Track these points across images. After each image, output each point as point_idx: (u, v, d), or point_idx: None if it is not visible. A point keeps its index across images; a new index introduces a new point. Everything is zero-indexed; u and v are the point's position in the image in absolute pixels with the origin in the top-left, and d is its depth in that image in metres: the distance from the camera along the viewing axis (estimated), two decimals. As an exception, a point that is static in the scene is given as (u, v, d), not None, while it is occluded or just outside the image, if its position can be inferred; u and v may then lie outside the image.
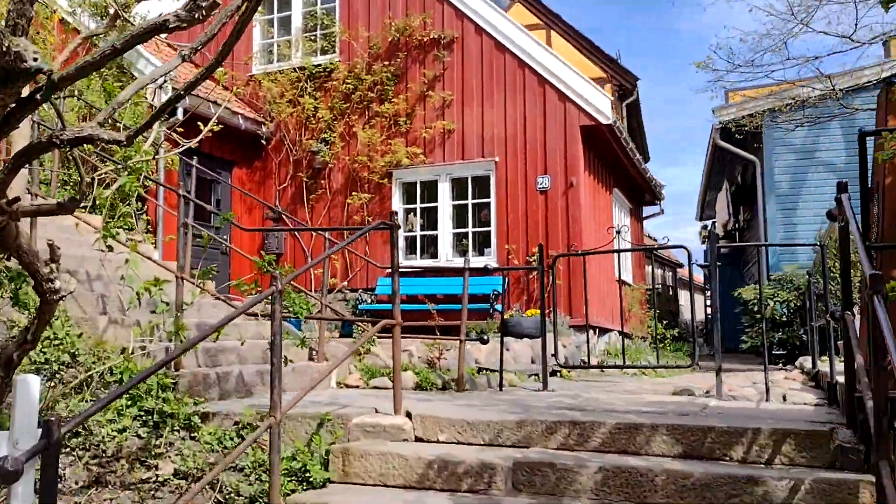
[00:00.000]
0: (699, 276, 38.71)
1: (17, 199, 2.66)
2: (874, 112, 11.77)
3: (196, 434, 4.21)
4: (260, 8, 11.84)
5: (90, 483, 3.82)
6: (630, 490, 3.11)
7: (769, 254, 12.87)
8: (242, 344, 4.97)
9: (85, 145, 6.01)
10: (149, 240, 9.21)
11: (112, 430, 4.08)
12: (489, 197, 10.36)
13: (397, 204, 10.91)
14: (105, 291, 5.71)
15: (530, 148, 10.12)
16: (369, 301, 10.59)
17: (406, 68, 10.95)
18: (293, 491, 3.67)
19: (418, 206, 10.86)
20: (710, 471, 3.06)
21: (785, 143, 12.52)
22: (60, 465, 3.88)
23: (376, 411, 4.24)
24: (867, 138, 3.12)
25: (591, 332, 10.02)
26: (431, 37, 10.72)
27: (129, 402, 4.25)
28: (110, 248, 4.12)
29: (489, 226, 10.36)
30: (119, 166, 4.07)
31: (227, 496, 3.77)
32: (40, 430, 2.31)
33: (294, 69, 11.46)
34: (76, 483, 3.77)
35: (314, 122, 11.25)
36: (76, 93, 8.55)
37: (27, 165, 6.28)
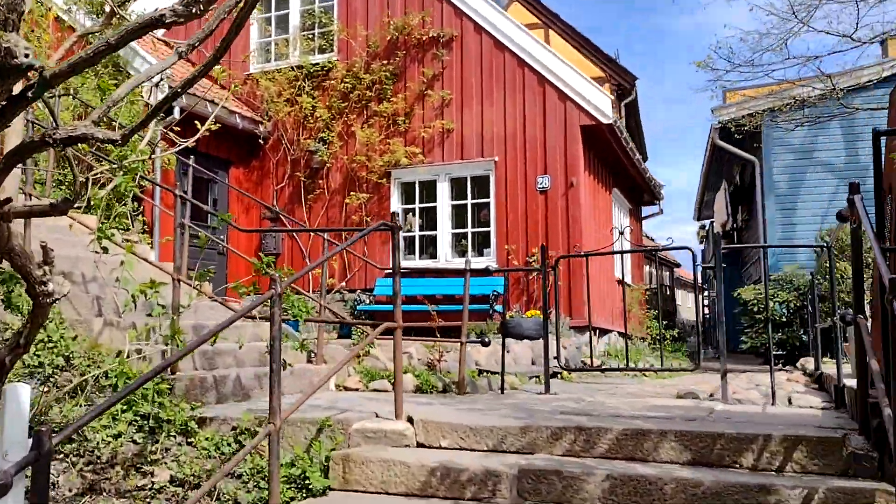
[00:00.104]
0: (691, 274, 38.75)
1: (8, 200, 2.57)
2: (874, 112, 11.78)
3: (193, 439, 4.12)
4: (257, 6, 11.75)
5: (84, 490, 3.73)
6: (639, 499, 3.03)
7: (768, 254, 12.82)
8: (241, 347, 4.88)
9: (80, 145, 5.90)
10: (145, 240, 9.11)
11: (107, 436, 4.00)
12: (488, 197, 10.29)
13: (396, 204, 10.83)
14: (100, 293, 5.62)
15: (530, 147, 10.05)
16: (368, 302, 10.51)
17: (405, 67, 10.87)
18: (292, 499, 3.59)
19: (417, 206, 10.78)
20: (720, 479, 2.99)
21: (784, 142, 12.47)
22: (54, 472, 3.79)
23: (377, 416, 4.16)
24: (880, 137, 3.04)
25: (592, 332, 9.94)
26: (430, 35, 10.64)
27: (125, 407, 4.16)
28: (105, 250, 4.03)
29: (489, 226, 10.29)
30: (114, 166, 3.98)
31: (224, 504, 3.69)
32: (31, 440, 2.22)
33: (292, 68, 11.37)
34: (70, 491, 3.68)
35: (312, 121, 11.16)
36: (71, 91, 8.45)
37: (21, 165, 6.18)
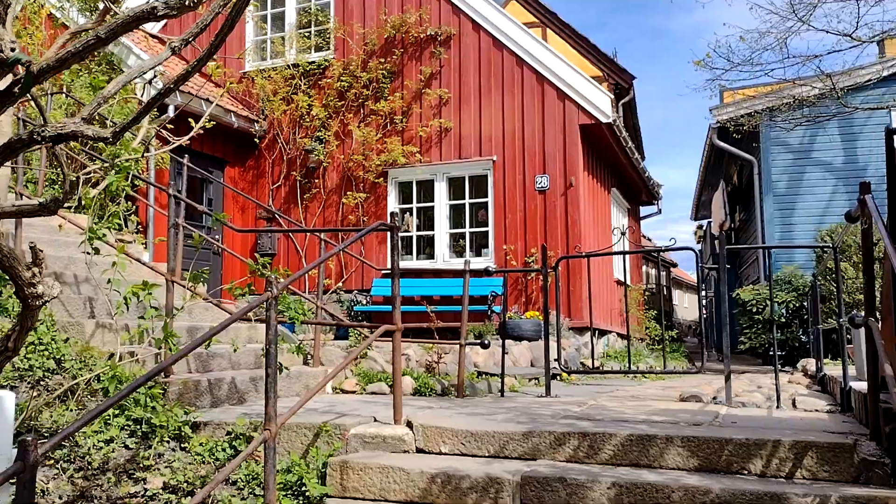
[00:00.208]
0: (688, 273, 38.77)
1: (-8, 200, 2.47)
2: (873, 111, 11.74)
3: (187, 445, 4.03)
4: (253, 3, 11.65)
5: (75, 498, 3.63)
6: (645, 507, 2.95)
7: (766, 255, 12.78)
8: (235, 351, 4.79)
9: (73, 143, 5.79)
10: (139, 241, 9.01)
11: (98, 441, 3.90)
12: (487, 197, 10.21)
13: (393, 204, 10.74)
14: (93, 295, 5.52)
15: (528, 147, 9.97)
16: (365, 303, 10.42)
17: (402, 65, 10.77)
18: (289, 506, 3.50)
19: (414, 205, 10.69)
20: (729, 487, 2.90)
21: (782, 142, 12.42)
22: (43, 478, 3.70)
23: (375, 420, 4.07)
24: (894, 135, 2.96)
25: (589, 333, 9.87)
26: (428, 33, 10.55)
27: (117, 412, 4.06)
28: (97, 251, 3.93)
29: (487, 226, 10.20)
30: (106, 165, 3.88)
31: (219, 512, 3.59)
32: (16, 449, 2.13)
33: (288, 66, 11.26)
34: (60, 498, 3.59)
35: (308, 120, 11.06)
36: (64, 90, 8.34)
37: (13, 164, 6.08)
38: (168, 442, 4.03)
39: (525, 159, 9.96)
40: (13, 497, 2.19)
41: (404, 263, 10.42)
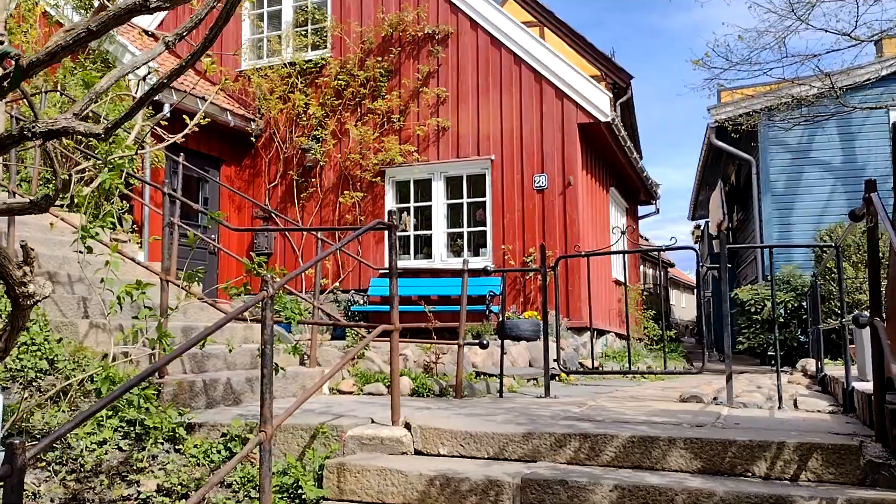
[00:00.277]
0: (685, 273, 38.77)
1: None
2: (871, 111, 11.71)
3: (181, 447, 3.97)
4: (249, 2, 11.58)
5: (67, 501, 3.57)
6: (648, 510, 2.89)
7: (764, 255, 12.74)
8: (231, 351, 4.73)
9: (66, 141, 5.71)
10: (134, 240, 8.95)
11: (91, 443, 3.84)
12: (485, 196, 10.15)
13: (390, 203, 10.68)
14: (87, 294, 5.46)
15: (527, 146, 9.91)
16: (362, 302, 10.36)
17: (399, 64, 10.71)
18: (285, 509, 3.44)
19: (412, 205, 10.63)
20: (733, 489, 2.85)
21: (780, 142, 12.39)
22: (35, 481, 3.63)
23: (372, 421, 4.01)
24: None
25: (589, 333, 9.82)
26: (425, 32, 10.49)
27: (110, 413, 4.00)
28: (90, 249, 3.87)
29: (485, 226, 10.15)
30: (100, 162, 3.82)
31: (213, 515, 3.53)
32: (3, 452, 2.06)
33: (284, 65, 11.19)
34: (51, 501, 3.52)
35: (305, 118, 11.00)
36: (59, 87, 8.27)
37: (5, 162, 6.00)
38: (162, 444, 3.97)
39: (523, 158, 9.91)
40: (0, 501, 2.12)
41: (402, 263, 10.36)
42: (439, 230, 10.38)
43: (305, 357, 6.20)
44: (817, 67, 10.93)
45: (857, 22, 11.87)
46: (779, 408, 4.68)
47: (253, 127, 11.20)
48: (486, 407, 4.80)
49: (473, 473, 3.22)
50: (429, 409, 4.54)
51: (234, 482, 3.67)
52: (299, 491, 3.47)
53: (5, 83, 2.58)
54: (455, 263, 9.79)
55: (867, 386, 4.26)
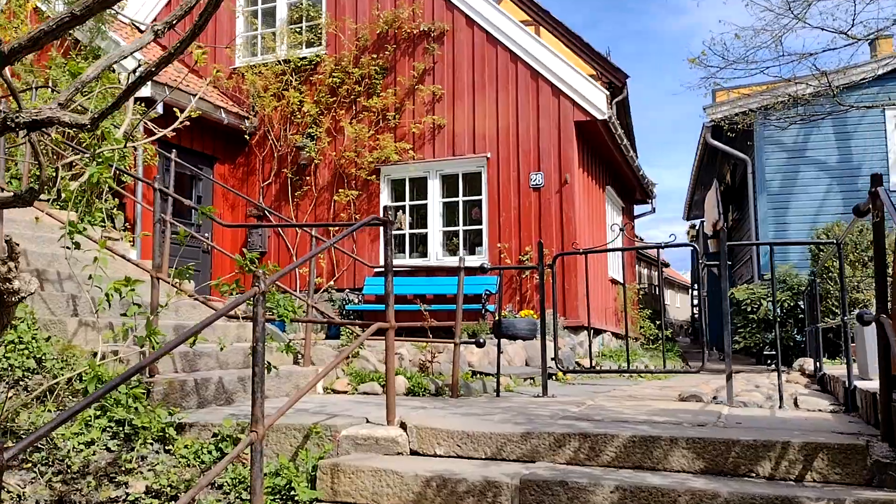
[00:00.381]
0: (680, 273, 38.79)
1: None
2: (867, 110, 11.68)
3: (171, 447, 3.88)
4: (243, -2, 11.47)
5: (52, 502, 3.47)
6: (650, 511, 2.82)
7: (760, 254, 12.71)
8: (222, 349, 4.64)
9: (56, 136, 5.59)
10: (127, 238, 8.84)
11: (79, 444, 3.74)
12: (481, 194, 10.08)
13: (385, 201, 10.59)
14: (76, 292, 5.36)
15: (523, 144, 9.84)
16: (357, 301, 10.27)
17: (395, 61, 10.63)
18: (277, 511, 3.36)
19: (407, 203, 10.55)
20: (738, 490, 2.78)
21: (776, 141, 12.35)
22: (20, 482, 3.54)
23: (367, 421, 3.93)
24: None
25: (585, 332, 9.76)
26: (421, 29, 10.41)
27: (98, 413, 3.91)
28: (77, 245, 3.78)
29: (481, 224, 10.07)
30: (86, 155, 3.72)
31: (204, 517, 3.44)
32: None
33: (279, 62, 11.10)
34: (37, 503, 3.43)
35: (299, 116, 10.90)
36: (50, 83, 8.16)
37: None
38: (151, 444, 3.88)
39: (519, 156, 9.84)
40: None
41: (397, 262, 10.28)
42: (435, 229, 10.30)
43: (299, 356, 6.11)
44: (814, 66, 10.90)
45: (853, 20, 11.83)
46: (780, 407, 4.62)
47: (247, 125, 11.10)
48: (483, 406, 4.72)
49: (471, 474, 3.14)
50: (425, 409, 4.46)
51: (226, 483, 3.59)
52: (292, 492, 3.38)
53: (-14, 70, 2.50)
54: (451, 262, 9.71)
55: (870, 385, 4.20)
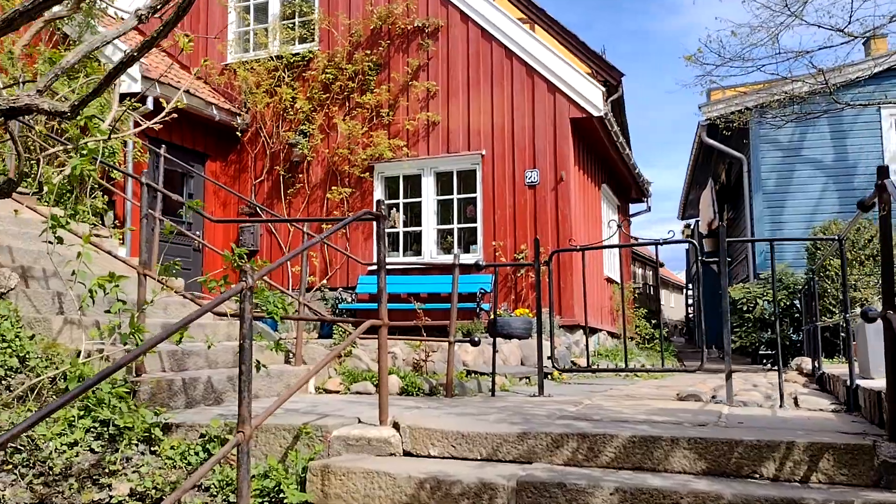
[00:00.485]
0: (674, 273, 38.81)
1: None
2: (863, 109, 11.63)
3: (157, 448, 3.76)
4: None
5: (33, 506, 3.36)
6: (652, 514, 2.72)
7: (756, 252, 12.65)
8: (210, 347, 4.52)
9: (40, 128, 5.45)
10: (116, 236, 8.72)
11: (61, 445, 3.63)
12: (475, 192, 9.97)
13: (379, 199, 10.47)
14: (62, 290, 5.24)
15: (518, 141, 9.74)
16: (350, 300, 10.16)
17: (389, 57, 10.52)
18: (266, 514, 3.25)
19: (401, 201, 10.44)
20: (741, 492, 2.69)
21: (772, 140, 12.30)
22: (0, 485, 3.42)
23: (359, 421, 3.82)
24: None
25: (581, 332, 9.67)
26: (415, 25, 10.30)
27: (82, 413, 3.79)
28: (60, 240, 3.66)
29: (475, 222, 9.97)
30: (70, 147, 3.61)
31: (190, 520, 3.33)
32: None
33: (271, 58, 10.98)
34: (17, 506, 3.31)
35: (292, 113, 10.78)
36: (37, 78, 8.01)
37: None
38: (137, 445, 3.76)
39: (515, 153, 9.74)
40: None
41: (392, 260, 10.17)
42: (429, 227, 10.19)
43: (291, 355, 6.00)
44: (810, 63, 10.84)
45: (850, 18, 11.74)
46: (780, 406, 4.53)
47: (239, 121, 10.97)
48: (478, 406, 4.62)
49: (466, 476, 3.04)
50: (418, 409, 4.36)
51: (213, 486, 3.48)
52: (281, 495, 3.28)
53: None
54: (446, 260, 9.60)
55: (872, 383, 4.12)
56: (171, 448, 3.74)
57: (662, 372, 5.91)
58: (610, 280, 12.14)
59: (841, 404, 4.58)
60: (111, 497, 3.44)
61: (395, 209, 10.49)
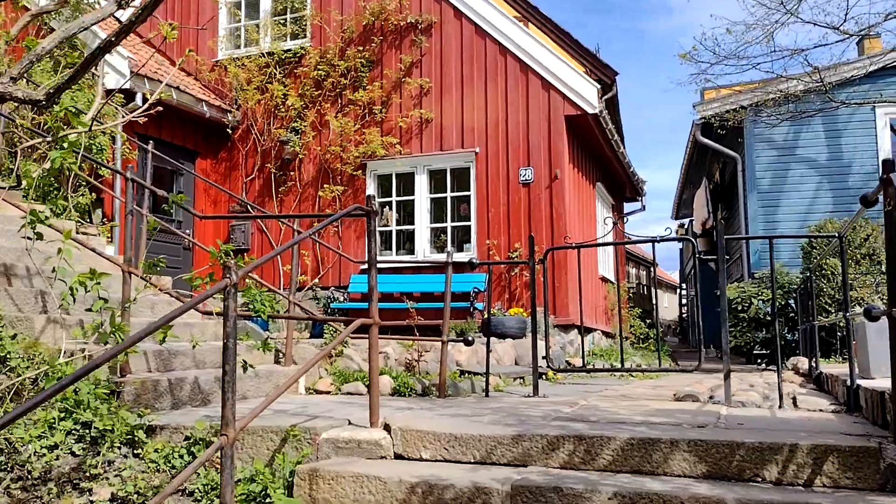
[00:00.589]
0: (667, 273, 38.81)
1: None
2: (857, 107, 11.59)
3: (140, 451, 3.65)
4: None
5: (10, 511, 3.24)
6: (651, 520, 2.63)
7: (751, 252, 12.59)
8: (195, 347, 4.40)
9: (20, 121, 5.32)
10: (104, 233, 8.58)
11: (41, 448, 3.51)
12: (469, 190, 9.87)
13: (370, 194, 10.36)
14: (46, 288, 5.11)
15: (512, 138, 9.64)
16: (342, 299, 10.04)
17: (381, 54, 10.41)
18: (251, 520, 3.14)
19: (394, 199, 10.33)
20: (744, 496, 2.60)
21: (766, 139, 12.24)
22: (-25, 490, 3.30)
23: (349, 423, 3.72)
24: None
25: (575, 331, 9.58)
26: (408, 21, 10.19)
27: (63, 415, 3.67)
28: (40, 236, 3.54)
29: (469, 220, 9.86)
30: (47, 139, 3.49)
31: (173, 526, 3.22)
32: None
33: (262, 54, 10.85)
34: (-7, 512, 3.19)
35: (283, 110, 10.65)
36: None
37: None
38: (119, 448, 3.64)
39: (509, 151, 9.64)
40: None
41: (384, 259, 10.06)
42: (422, 225, 10.08)
43: (281, 355, 5.89)
44: (805, 61, 10.80)
45: (846, 15, 11.73)
46: (779, 407, 4.45)
47: (229, 118, 10.84)
48: (472, 407, 4.51)
49: (459, 479, 2.93)
50: (410, 410, 4.25)
51: (197, 490, 3.36)
52: (267, 500, 3.16)
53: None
54: (439, 259, 9.49)
55: (874, 383, 4.04)
56: (155, 451, 3.62)
57: (657, 372, 5.83)
58: (604, 279, 12.06)
59: (841, 405, 4.50)
60: (91, 502, 3.32)
61: (388, 207, 10.37)
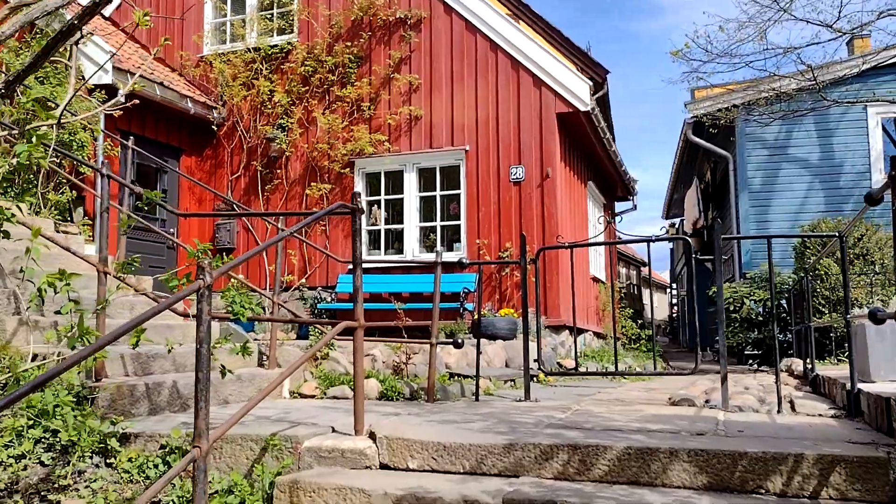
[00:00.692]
0: (657, 273, 38.85)
1: None
2: (850, 107, 11.53)
3: (113, 460, 3.47)
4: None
5: (-28, 526, 3.06)
6: (651, 535, 2.49)
7: (742, 252, 12.52)
8: (170, 351, 4.23)
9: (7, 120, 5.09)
10: (86, 233, 8.37)
11: (7, 458, 3.32)
12: (459, 188, 9.71)
13: (356, 191, 10.17)
14: (20, 289, 4.91)
15: (503, 136, 9.49)
16: (329, 300, 9.87)
17: (370, 50, 10.23)
18: (228, 535, 2.97)
19: (382, 197, 10.16)
20: (748, 510, 2.46)
21: (758, 138, 12.17)
22: (-64, 503, 3.11)
23: (333, 430, 3.56)
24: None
25: (567, 332, 9.45)
26: (397, 16, 10.02)
27: (31, 423, 3.49)
28: (6, 234, 3.36)
29: (459, 219, 9.71)
30: (14, 131, 3.30)
31: (145, 541, 3.04)
32: None
33: (249, 50, 10.64)
34: (-47, 527, 3.01)
35: (270, 106, 10.46)
36: (4, 68, 7.65)
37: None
38: (91, 457, 3.47)
39: (499, 149, 9.49)
40: None
41: (372, 258, 9.88)
42: (411, 224, 9.92)
43: (264, 357, 5.72)
44: (798, 59, 10.72)
45: (839, 14, 11.65)
46: (778, 411, 4.33)
47: (215, 115, 10.63)
48: (461, 412, 4.36)
49: (447, 492, 2.78)
50: (397, 416, 4.09)
51: (172, 502, 3.19)
52: (246, 513, 3.00)
53: None
54: (428, 259, 9.33)
55: (876, 388, 3.92)
56: (129, 460, 3.45)
57: (652, 375, 5.70)
58: (596, 279, 11.94)
59: (840, 409, 4.38)
60: (59, 515, 3.15)
61: (376, 206, 10.21)
